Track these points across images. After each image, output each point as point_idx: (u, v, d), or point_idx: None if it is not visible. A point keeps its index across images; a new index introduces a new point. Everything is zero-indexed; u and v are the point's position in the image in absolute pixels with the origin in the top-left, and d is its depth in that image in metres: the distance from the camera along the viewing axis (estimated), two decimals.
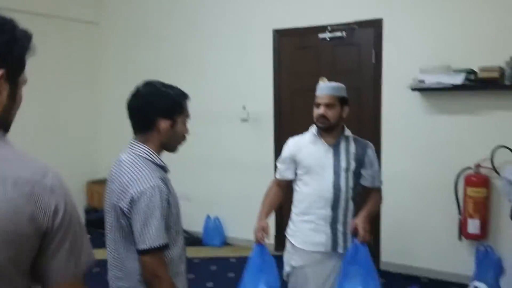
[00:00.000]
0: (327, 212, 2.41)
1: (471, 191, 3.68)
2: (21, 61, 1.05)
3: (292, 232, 2.54)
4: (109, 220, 1.66)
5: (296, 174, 2.54)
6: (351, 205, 2.46)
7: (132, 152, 1.68)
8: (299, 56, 4.49)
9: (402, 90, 3.89)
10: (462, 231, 3.80)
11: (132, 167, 1.62)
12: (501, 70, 3.49)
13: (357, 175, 2.47)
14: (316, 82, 4.37)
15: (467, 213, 3.72)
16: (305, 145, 2.52)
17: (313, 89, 4.34)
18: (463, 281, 3.74)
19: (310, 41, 4.40)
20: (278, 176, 2.62)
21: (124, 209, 1.57)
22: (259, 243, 2.43)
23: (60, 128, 5.35)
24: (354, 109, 4.22)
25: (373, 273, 2.31)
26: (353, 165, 2.43)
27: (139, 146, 1.68)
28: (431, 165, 3.95)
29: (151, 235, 1.55)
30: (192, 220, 4.74)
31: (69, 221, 0.98)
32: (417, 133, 3.99)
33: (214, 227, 4.94)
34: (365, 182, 2.51)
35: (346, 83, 4.18)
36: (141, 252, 1.57)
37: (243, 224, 4.84)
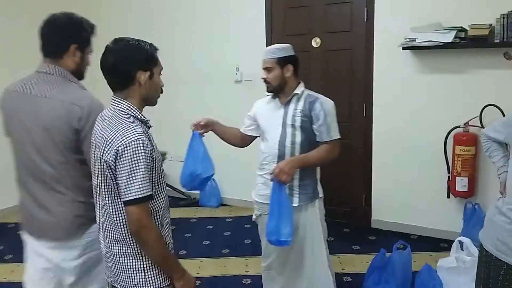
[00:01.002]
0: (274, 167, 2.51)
1: (460, 149, 3.71)
2: (87, 39, 1.97)
3: (255, 185, 2.71)
4: (95, 174, 1.70)
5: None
6: None
7: (115, 108, 1.70)
8: (291, 16, 4.44)
9: (393, 49, 3.86)
10: (451, 189, 3.86)
11: (116, 122, 1.65)
12: (491, 28, 3.45)
13: (307, 131, 2.49)
14: (309, 43, 4.39)
15: (455, 172, 3.76)
16: (263, 105, 2.67)
17: (306, 50, 4.39)
18: (452, 237, 3.80)
19: (302, 0, 4.34)
20: (241, 130, 2.78)
21: (110, 162, 1.60)
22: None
23: None
24: (346, 68, 4.26)
25: (287, 214, 2.34)
26: (298, 121, 2.47)
27: (121, 103, 1.69)
28: (421, 124, 3.97)
29: (136, 186, 1.59)
30: None
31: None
32: (407, 92, 3.99)
33: (210, 189, 5.03)
34: (316, 137, 2.51)
35: (338, 42, 4.25)
36: (127, 203, 1.61)
37: (239, 185, 4.94)
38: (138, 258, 1.70)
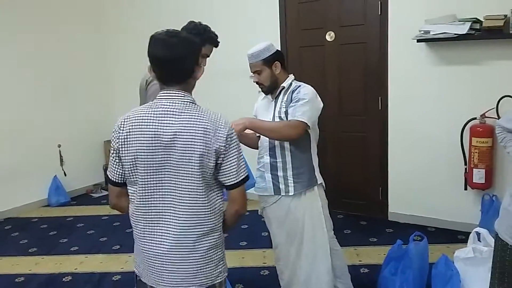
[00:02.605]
0: (266, 159, 2.60)
1: (476, 141, 3.70)
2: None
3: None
4: (177, 175, 1.64)
5: None
6: (288, 151, 2.55)
7: (182, 100, 1.68)
8: (305, 10, 4.47)
9: (408, 41, 3.86)
10: (468, 181, 3.85)
11: (201, 112, 1.67)
12: (506, 19, 3.43)
13: None
14: (323, 37, 4.41)
15: (472, 163, 3.76)
16: (260, 102, 2.75)
17: (320, 44, 4.41)
18: (469, 229, 3.76)
19: None
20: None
21: (221, 149, 1.64)
22: None
23: (77, 95, 5.59)
24: (360, 62, 4.28)
25: None
26: (283, 112, 2.51)
27: (186, 94, 1.70)
28: (437, 116, 3.96)
29: (243, 166, 1.71)
30: None
31: None
32: (423, 85, 3.98)
33: None
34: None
35: (352, 36, 4.26)
36: (238, 184, 1.70)
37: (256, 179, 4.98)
38: (220, 247, 1.78)
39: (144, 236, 1.72)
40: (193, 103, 1.71)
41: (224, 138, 1.65)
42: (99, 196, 5.65)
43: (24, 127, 5.06)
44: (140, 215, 1.72)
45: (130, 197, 1.75)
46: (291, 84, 2.58)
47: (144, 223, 1.72)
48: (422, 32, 3.73)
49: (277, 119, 2.54)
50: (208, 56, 2.65)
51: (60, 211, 5.11)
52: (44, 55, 5.22)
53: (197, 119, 1.64)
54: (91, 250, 4.04)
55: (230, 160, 1.68)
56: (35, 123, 5.14)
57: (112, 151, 1.73)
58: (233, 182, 1.70)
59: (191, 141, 1.62)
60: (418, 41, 3.79)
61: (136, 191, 1.70)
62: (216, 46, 2.68)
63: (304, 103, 2.44)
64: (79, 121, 5.62)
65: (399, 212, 4.31)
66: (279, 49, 4.61)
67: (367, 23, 4.17)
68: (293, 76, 2.62)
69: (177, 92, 1.69)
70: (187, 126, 1.63)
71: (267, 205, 2.69)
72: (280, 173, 2.57)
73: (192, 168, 1.63)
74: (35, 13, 5.11)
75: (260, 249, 3.85)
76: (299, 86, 2.55)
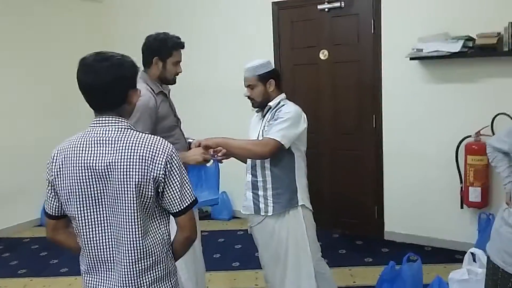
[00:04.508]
0: (249, 178, 2.62)
1: (471, 159, 3.66)
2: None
3: None
4: (114, 208, 1.55)
5: None
6: (268, 170, 2.53)
7: (117, 127, 1.58)
8: (298, 29, 4.47)
9: (401, 59, 3.84)
10: (464, 200, 3.80)
11: (139, 138, 1.57)
12: (500, 37, 3.41)
13: None
14: (317, 55, 4.40)
15: (468, 182, 3.71)
16: (252, 120, 2.75)
17: (313, 63, 4.40)
18: (466, 249, 3.70)
19: (309, 13, 4.36)
20: None
21: (160, 177, 1.54)
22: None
23: (71, 115, 5.51)
24: (354, 80, 4.26)
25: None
26: (266, 130, 2.49)
27: (121, 120, 1.60)
28: (431, 134, 3.93)
29: (189, 190, 1.62)
30: None
31: None
32: (417, 103, 3.96)
33: (222, 202, 5.02)
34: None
35: (346, 54, 4.24)
36: (185, 210, 1.61)
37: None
38: (168, 277, 1.67)
39: (88, 272, 1.66)
40: (129, 128, 1.60)
41: (163, 165, 1.54)
42: None
43: (16, 145, 5.02)
44: (83, 251, 1.64)
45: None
46: (278, 103, 2.55)
47: (87, 259, 1.64)
48: (415, 50, 3.72)
49: (260, 137, 2.53)
50: (180, 61, 2.60)
51: None
52: (41, 72, 5.22)
53: (132, 146, 1.54)
54: (80, 272, 3.96)
55: (172, 187, 1.58)
56: (27, 141, 5.10)
57: (47, 183, 1.65)
58: (176, 210, 1.61)
59: (127, 171, 1.52)
60: (411, 59, 3.78)
61: (77, 226, 1.62)
62: (183, 47, 2.61)
63: (281, 121, 2.42)
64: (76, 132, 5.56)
65: (395, 231, 4.24)
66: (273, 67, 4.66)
67: (361, 41, 4.16)
68: (283, 95, 2.60)
69: (110, 119, 1.59)
70: (122, 155, 1.53)
71: (253, 225, 2.68)
72: (260, 192, 2.56)
73: (129, 200, 1.52)
74: (35, 30, 5.15)
75: (253, 270, 3.78)
76: (283, 105, 2.53)
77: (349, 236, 4.38)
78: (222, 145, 2.44)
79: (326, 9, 4.23)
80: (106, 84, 1.54)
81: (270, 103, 2.55)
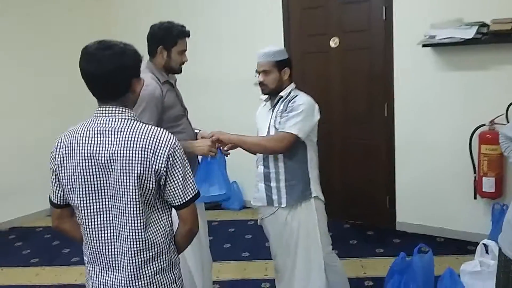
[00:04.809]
0: (260, 169, 2.57)
1: (485, 148, 3.57)
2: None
3: None
4: (116, 199, 1.54)
5: None
6: (281, 162, 2.49)
7: (119, 117, 1.56)
8: (308, 16, 4.39)
9: (413, 46, 3.75)
10: (478, 190, 3.72)
11: (142, 129, 1.55)
12: None
13: None
14: (327, 43, 4.32)
15: (481, 172, 3.63)
16: (260, 109, 2.69)
17: (324, 51, 4.34)
18: (479, 240, 3.63)
19: (319, 0, 4.28)
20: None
21: (161, 170, 1.52)
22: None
23: (81, 106, 5.50)
24: (365, 68, 4.18)
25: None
26: (278, 122, 2.45)
27: (126, 110, 1.58)
28: (444, 123, 3.84)
29: (191, 183, 1.60)
30: None
31: None
32: (429, 91, 3.87)
33: (233, 192, 5.01)
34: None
35: (357, 42, 4.17)
36: (187, 203, 1.60)
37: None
38: (171, 269, 1.66)
39: (90, 262, 1.65)
40: (132, 119, 1.58)
41: (165, 158, 1.53)
42: None
43: (29, 137, 5.06)
44: (86, 241, 1.64)
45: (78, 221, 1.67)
46: (289, 93, 2.51)
47: (89, 249, 1.63)
48: (428, 36, 3.63)
49: (272, 129, 2.49)
50: (186, 50, 2.56)
51: None
52: (46, 70, 5.22)
53: (135, 137, 1.52)
54: None
55: (174, 180, 1.56)
56: (40, 134, 5.13)
57: (51, 172, 1.66)
58: (179, 203, 1.60)
59: (129, 162, 1.50)
60: (424, 46, 3.68)
61: (79, 216, 1.61)
62: (188, 36, 2.57)
63: (296, 114, 2.39)
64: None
65: (407, 222, 4.18)
66: None
67: (372, 28, 4.08)
68: (294, 85, 2.56)
69: (114, 109, 1.57)
70: (125, 146, 1.51)
71: (265, 216, 2.65)
72: (273, 184, 2.53)
73: (131, 191, 1.51)
74: (37, 30, 5.14)
75: (263, 260, 3.76)
76: (296, 95, 2.49)
77: (360, 227, 4.34)
78: (236, 142, 2.46)
79: None
80: (108, 72, 1.53)
81: (282, 93, 2.51)
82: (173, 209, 1.66)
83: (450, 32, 3.49)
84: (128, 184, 1.51)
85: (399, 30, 3.91)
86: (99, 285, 1.62)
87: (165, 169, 1.54)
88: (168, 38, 2.49)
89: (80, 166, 1.55)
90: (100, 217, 1.58)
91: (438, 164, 3.94)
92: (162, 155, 1.53)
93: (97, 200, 1.57)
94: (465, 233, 3.87)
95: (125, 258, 1.57)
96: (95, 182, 1.55)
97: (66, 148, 1.59)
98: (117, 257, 1.59)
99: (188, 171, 1.61)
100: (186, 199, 1.60)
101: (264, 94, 2.58)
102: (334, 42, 4.28)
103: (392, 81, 4.02)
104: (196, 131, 2.74)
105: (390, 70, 4.01)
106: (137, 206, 1.53)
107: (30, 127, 5.13)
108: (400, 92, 4.01)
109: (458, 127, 3.76)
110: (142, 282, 1.58)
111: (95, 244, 1.60)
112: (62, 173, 1.60)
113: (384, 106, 4.12)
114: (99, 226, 1.58)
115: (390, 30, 3.95)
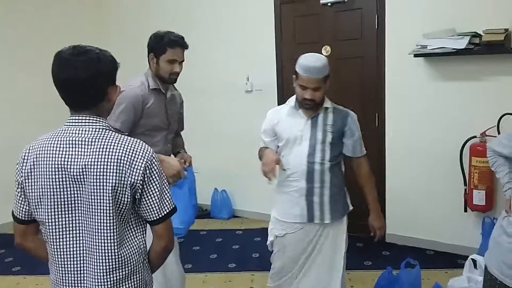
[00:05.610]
0: (302, 184, 2.40)
1: (476, 161, 3.52)
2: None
3: (274, 203, 2.58)
4: (89, 214, 1.46)
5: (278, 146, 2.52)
6: (327, 176, 2.40)
7: (92, 127, 1.48)
8: (301, 24, 4.34)
9: (405, 56, 3.70)
10: (468, 203, 3.66)
11: (118, 140, 1.47)
12: (507, 33, 3.26)
13: (337, 145, 2.41)
14: (319, 51, 4.27)
15: (472, 184, 3.57)
16: (283, 118, 2.47)
17: None
18: (469, 253, 3.59)
19: (311, 8, 4.24)
20: (264, 147, 2.58)
21: (137, 183, 1.45)
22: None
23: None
24: (357, 77, 4.13)
25: None
26: (329, 136, 2.36)
27: (99, 120, 1.50)
28: (435, 133, 3.79)
29: (168, 198, 1.53)
30: (200, 193, 4.75)
31: None
32: (421, 101, 3.82)
33: (222, 200, 4.96)
34: (346, 151, 2.46)
35: (349, 50, 4.11)
36: (163, 218, 1.52)
37: (251, 196, 4.85)
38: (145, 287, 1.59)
39: (56, 283, 1.54)
40: (107, 129, 1.50)
41: (141, 170, 1.45)
42: None
43: (20, 143, 4.96)
44: (52, 260, 1.53)
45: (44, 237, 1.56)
46: (331, 105, 2.44)
47: (56, 269, 1.52)
48: (420, 46, 3.58)
49: (318, 144, 2.36)
50: (177, 61, 2.48)
51: None
52: (43, 70, 5.14)
53: (109, 148, 1.44)
54: None
55: (150, 194, 1.48)
56: (31, 139, 5.06)
57: (16, 185, 1.56)
58: (154, 218, 1.51)
59: (103, 175, 1.42)
60: (415, 55, 3.64)
61: (46, 232, 1.51)
62: (186, 47, 2.52)
63: (360, 135, 2.45)
64: None
65: (397, 234, 4.12)
66: (275, 63, 4.55)
67: (364, 37, 4.03)
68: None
69: (87, 118, 1.49)
70: (98, 158, 1.43)
71: (291, 232, 2.48)
72: (316, 199, 2.40)
73: (104, 206, 1.43)
74: (34, 29, 5.08)
75: (249, 272, 3.69)
76: (348, 112, 2.45)
77: (350, 238, 4.25)
78: (377, 205, 2.67)
79: (329, 4, 4.11)
80: (83, 80, 1.44)
81: (327, 105, 2.40)
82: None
83: (442, 42, 3.45)
84: (101, 198, 1.43)
85: (391, 39, 3.87)
86: None
87: (141, 182, 1.46)
88: (157, 46, 2.47)
89: (49, 178, 1.46)
90: (70, 234, 1.48)
91: (429, 176, 3.88)
92: (138, 168, 1.45)
93: (67, 215, 1.47)
94: (455, 246, 3.81)
95: (96, 277, 1.48)
96: (66, 196, 1.46)
97: (35, 159, 1.49)
98: (87, 277, 1.49)
99: (165, 184, 1.53)
100: (163, 214, 1.52)
101: (308, 109, 2.37)
102: (326, 51, 4.23)
103: (384, 91, 3.97)
104: (179, 151, 2.71)
105: (381, 79, 3.97)
106: (111, 221, 1.44)
107: (24, 128, 5.03)
108: (391, 102, 3.96)
109: (449, 138, 3.71)
110: None
111: (63, 263, 1.50)
112: (29, 185, 1.50)
113: (375, 116, 4.07)
114: (68, 243, 1.49)
115: (382, 39, 3.91)
